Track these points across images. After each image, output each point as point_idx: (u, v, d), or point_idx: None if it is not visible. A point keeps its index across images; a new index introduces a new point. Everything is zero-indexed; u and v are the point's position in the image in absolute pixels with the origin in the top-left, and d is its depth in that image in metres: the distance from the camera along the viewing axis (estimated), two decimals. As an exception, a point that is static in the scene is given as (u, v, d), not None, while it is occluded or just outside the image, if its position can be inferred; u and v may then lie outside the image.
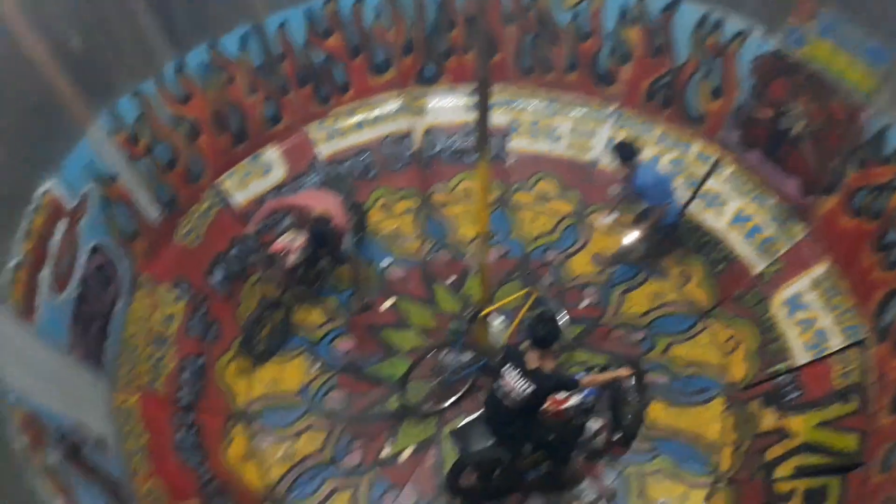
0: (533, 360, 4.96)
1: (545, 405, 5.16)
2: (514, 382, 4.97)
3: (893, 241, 5.54)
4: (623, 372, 5.57)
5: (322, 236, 6.57)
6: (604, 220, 6.88)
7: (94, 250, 5.61)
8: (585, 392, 5.48)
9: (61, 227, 5.23)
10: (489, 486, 5.75)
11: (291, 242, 6.72)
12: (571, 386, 5.14)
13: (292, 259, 6.68)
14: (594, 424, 5.83)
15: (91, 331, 5.37)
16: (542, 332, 4.91)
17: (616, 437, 6.10)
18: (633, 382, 6.05)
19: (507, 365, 5.06)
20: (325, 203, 6.64)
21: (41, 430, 4.30)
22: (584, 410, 5.60)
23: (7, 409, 4.09)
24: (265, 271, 6.85)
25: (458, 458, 5.51)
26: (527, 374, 4.94)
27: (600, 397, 5.73)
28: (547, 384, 4.98)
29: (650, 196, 6.77)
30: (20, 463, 3.96)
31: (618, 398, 5.93)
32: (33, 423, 4.25)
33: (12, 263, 4.62)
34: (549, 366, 4.97)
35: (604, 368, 5.72)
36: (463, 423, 5.66)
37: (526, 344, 5.04)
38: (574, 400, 5.43)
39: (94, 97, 5.77)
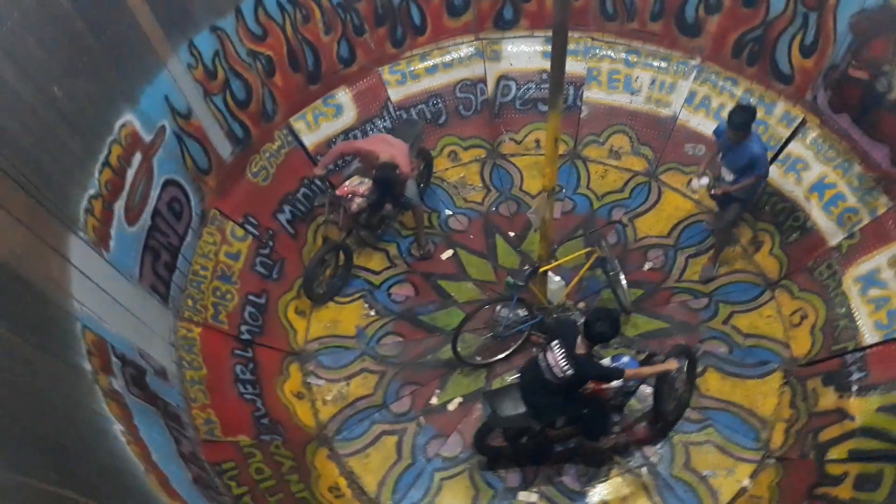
0: (582, 345, 4.90)
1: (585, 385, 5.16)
2: (559, 360, 4.94)
3: None
4: (670, 365, 5.37)
5: (387, 183, 6.62)
6: (696, 183, 6.51)
7: (167, 184, 5.80)
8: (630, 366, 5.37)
9: (137, 159, 5.40)
10: (516, 450, 5.82)
11: (357, 187, 6.80)
12: (614, 377, 5.08)
13: (357, 203, 6.76)
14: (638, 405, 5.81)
15: (160, 262, 5.62)
16: (599, 329, 4.79)
17: (654, 424, 6.03)
18: (685, 371, 5.88)
19: (557, 340, 5.01)
20: (391, 150, 6.66)
21: (108, 354, 4.56)
22: (627, 393, 5.53)
23: (79, 332, 4.34)
24: (330, 214, 6.97)
25: (486, 420, 5.57)
26: (572, 356, 4.89)
27: (642, 382, 5.63)
28: (590, 372, 4.96)
29: (759, 164, 6.17)
30: (88, 384, 4.23)
31: (663, 386, 5.77)
32: (101, 348, 4.51)
33: (90, 193, 4.81)
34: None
35: (649, 357, 5.53)
36: (498, 387, 5.68)
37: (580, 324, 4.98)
38: (616, 382, 5.34)
39: (174, 31, 5.86)
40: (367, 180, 6.81)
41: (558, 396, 5.13)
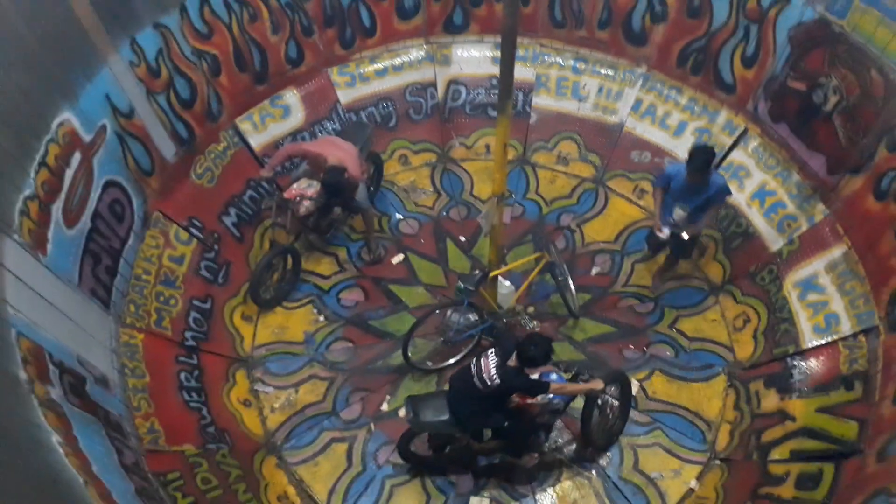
0: (515, 361, 4.93)
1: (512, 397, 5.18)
2: (490, 368, 4.95)
3: (918, 228, 5.38)
4: (595, 384, 5.33)
5: (335, 186, 6.53)
6: (665, 233, 6.27)
7: (108, 185, 5.60)
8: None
9: (76, 159, 5.21)
10: (439, 458, 5.81)
11: (306, 189, 6.69)
12: (540, 391, 5.08)
13: (305, 206, 6.66)
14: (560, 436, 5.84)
15: (100, 266, 5.42)
16: (531, 353, 4.83)
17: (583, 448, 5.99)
18: (619, 397, 5.88)
19: (494, 349, 5.04)
20: (340, 153, 6.57)
21: (45, 362, 4.37)
22: (554, 411, 5.52)
23: (13, 339, 4.15)
24: (277, 217, 6.84)
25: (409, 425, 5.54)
26: (503, 367, 4.92)
27: (570, 402, 5.61)
28: (515, 384, 4.96)
29: (724, 191, 6.12)
30: (24, 394, 4.04)
31: (592, 408, 5.68)
32: (37, 356, 4.32)
33: (25, 194, 4.61)
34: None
35: (576, 375, 5.51)
36: (425, 392, 5.68)
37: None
38: (543, 398, 5.32)
39: (115, 27, 5.68)
40: (315, 183, 6.70)
41: (483, 405, 5.11)
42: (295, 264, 6.92)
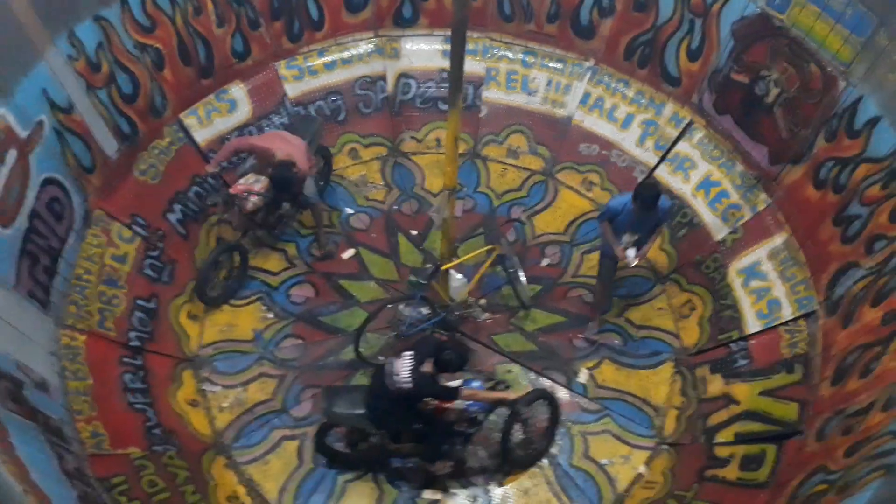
0: (429, 366, 4.96)
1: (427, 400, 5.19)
2: (402, 371, 4.96)
3: (853, 215, 5.53)
4: (508, 394, 5.42)
5: (284, 181, 6.44)
6: (631, 257, 6.04)
7: (46, 183, 5.43)
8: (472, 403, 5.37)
9: (11, 156, 5.03)
10: (353, 455, 5.80)
11: (253, 185, 6.58)
12: (450, 397, 5.10)
13: (252, 202, 6.56)
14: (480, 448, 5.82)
15: (38, 267, 5.25)
16: (447, 357, 4.90)
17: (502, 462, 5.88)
18: (547, 419, 5.86)
19: (411, 352, 5.05)
20: (288, 147, 6.50)
21: (-21, 367, 4.26)
22: (473, 421, 5.52)
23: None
24: (224, 213, 6.72)
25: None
26: (416, 370, 4.93)
27: (489, 412, 5.57)
28: (424, 389, 4.99)
29: (669, 214, 6.25)
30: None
31: (512, 423, 5.59)
32: (-28, 361, 4.20)
33: (-44, 193, 4.48)
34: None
35: (494, 385, 5.54)
36: (343, 385, 5.63)
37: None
38: (460, 405, 5.31)
39: (52, 20, 5.52)
40: (263, 178, 6.60)
41: (395, 405, 5.11)
42: (242, 261, 6.82)
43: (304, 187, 6.71)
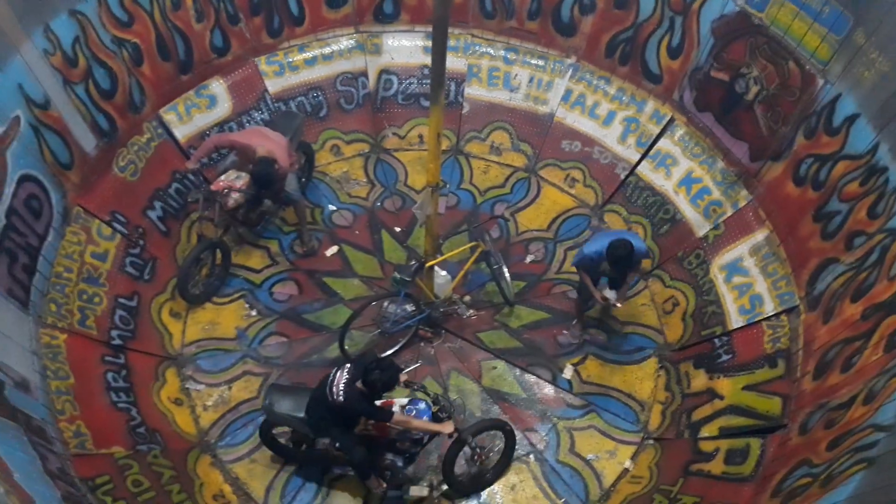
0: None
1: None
2: (340, 384, 4.89)
3: (832, 211, 5.62)
4: (444, 427, 5.10)
5: (264, 178, 6.37)
6: (613, 299, 6.03)
7: (23, 180, 5.34)
8: (421, 416, 5.23)
9: (-13, 153, 4.98)
10: (296, 454, 5.76)
11: (234, 181, 6.51)
12: (381, 418, 5.01)
13: (234, 199, 6.48)
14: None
15: (17, 265, 5.17)
16: (373, 378, 4.76)
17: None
18: (501, 452, 5.76)
19: (351, 365, 4.99)
20: (269, 143, 6.43)
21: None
22: (415, 441, 5.39)
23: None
24: (205, 210, 6.63)
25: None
26: (351, 387, 4.86)
27: (433, 435, 5.41)
28: (356, 406, 4.92)
29: (644, 254, 6.14)
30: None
31: (456, 451, 5.45)
32: (-50, 361, 4.11)
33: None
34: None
35: (441, 408, 5.26)
36: (290, 385, 5.54)
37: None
38: (401, 427, 5.20)
39: (27, 14, 5.42)
40: (243, 174, 6.54)
41: (332, 417, 5.04)
42: (224, 258, 6.74)
43: (286, 184, 6.65)
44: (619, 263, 5.78)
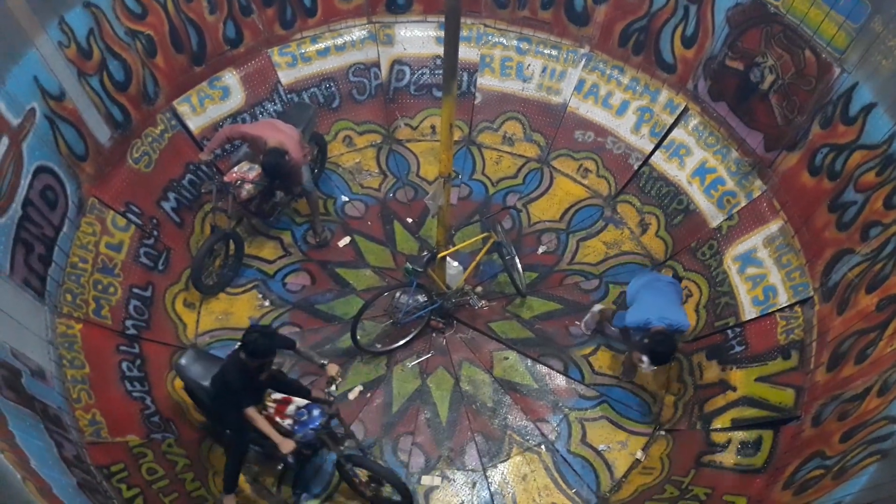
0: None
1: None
2: (228, 354, 4.95)
3: (848, 201, 5.55)
4: (281, 443, 4.81)
5: (276, 169, 6.38)
6: (647, 367, 5.75)
7: (39, 171, 5.37)
8: (308, 423, 5.12)
9: (3, 144, 4.98)
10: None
11: (247, 173, 6.54)
12: (235, 399, 4.87)
13: (247, 190, 6.52)
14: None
15: (33, 255, 5.21)
16: (249, 339, 4.67)
17: None
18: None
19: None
20: (280, 135, 6.44)
21: (-24, 357, 4.22)
22: (306, 444, 5.18)
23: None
24: (218, 201, 6.67)
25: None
26: (234, 352, 4.87)
27: (318, 446, 5.33)
28: (218, 384, 4.97)
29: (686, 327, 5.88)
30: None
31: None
32: (-32, 350, 4.17)
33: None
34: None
35: (331, 418, 5.14)
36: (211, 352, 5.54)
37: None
38: (288, 421, 5.17)
39: (42, 6, 5.44)
40: (256, 166, 6.57)
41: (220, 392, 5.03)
42: (237, 249, 6.79)
43: (300, 175, 6.67)
44: (658, 358, 5.59)
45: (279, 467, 5.74)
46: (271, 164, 6.31)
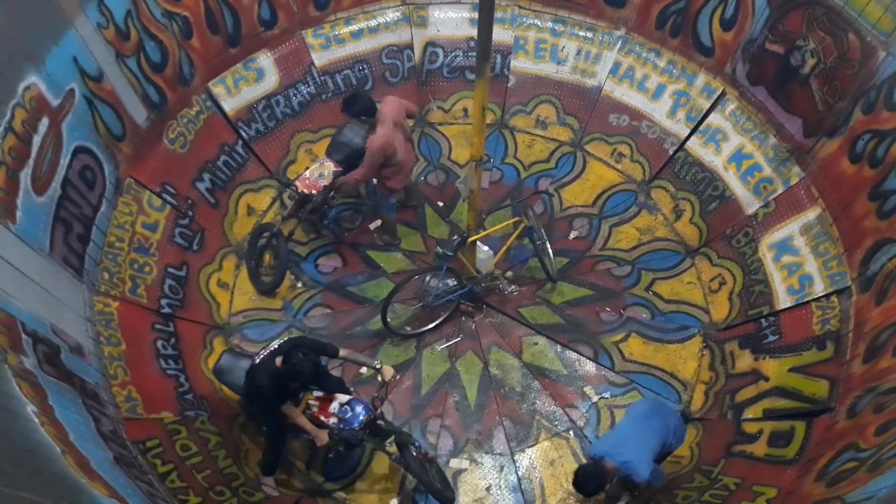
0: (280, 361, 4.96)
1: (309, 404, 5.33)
2: (261, 354, 5.07)
3: (890, 189, 5.41)
4: (318, 435, 5.08)
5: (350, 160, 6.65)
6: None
7: (78, 151, 5.46)
8: (351, 421, 5.23)
9: (44, 125, 5.07)
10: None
11: (317, 181, 6.67)
12: (272, 404, 5.07)
13: (321, 195, 6.68)
14: None
15: (72, 234, 5.32)
16: (293, 361, 4.79)
17: None
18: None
19: (285, 342, 5.16)
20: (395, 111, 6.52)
21: (17, 332, 4.31)
22: (347, 442, 5.25)
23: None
24: (298, 213, 6.87)
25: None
26: (266, 359, 5.04)
27: (360, 439, 5.28)
28: (256, 379, 5.01)
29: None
30: (-4, 365, 3.99)
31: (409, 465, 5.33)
32: (10, 325, 4.25)
33: (-8, 160, 4.49)
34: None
35: (376, 418, 5.22)
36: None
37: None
38: (333, 420, 5.26)
39: (83, -13, 5.50)
40: (326, 172, 6.67)
41: (257, 392, 5.10)
42: (284, 243, 6.77)
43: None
44: (577, 482, 4.89)
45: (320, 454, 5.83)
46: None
